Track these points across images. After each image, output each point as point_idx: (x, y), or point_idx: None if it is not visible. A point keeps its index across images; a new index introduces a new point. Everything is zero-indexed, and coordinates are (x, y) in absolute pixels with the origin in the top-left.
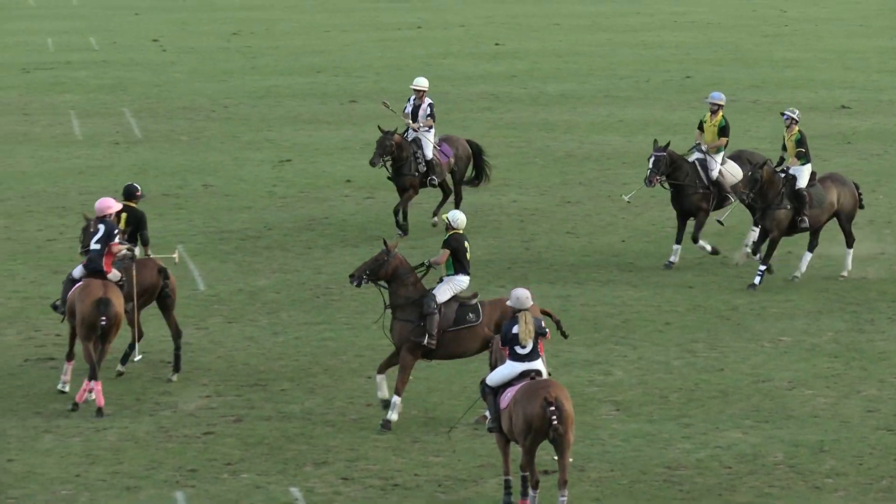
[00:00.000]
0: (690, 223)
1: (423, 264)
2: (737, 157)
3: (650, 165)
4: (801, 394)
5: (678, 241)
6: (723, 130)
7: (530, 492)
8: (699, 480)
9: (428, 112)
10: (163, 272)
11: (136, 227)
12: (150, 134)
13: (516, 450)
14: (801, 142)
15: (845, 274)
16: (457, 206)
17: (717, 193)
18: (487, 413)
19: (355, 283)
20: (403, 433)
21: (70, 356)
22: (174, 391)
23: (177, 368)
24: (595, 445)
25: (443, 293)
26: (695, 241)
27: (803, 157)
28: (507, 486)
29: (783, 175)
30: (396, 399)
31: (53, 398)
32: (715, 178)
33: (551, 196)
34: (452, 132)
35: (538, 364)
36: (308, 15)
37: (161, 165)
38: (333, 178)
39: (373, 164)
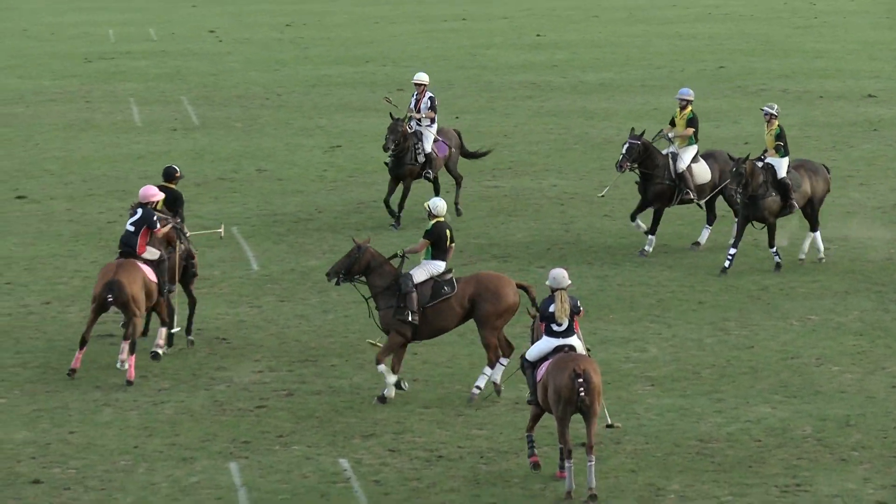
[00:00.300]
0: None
1: (396, 255)
2: (710, 156)
3: (623, 151)
4: (829, 370)
5: (651, 232)
6: (690, 122)
7: (566, 463)
8: (730, 453)
9: (429, 105)
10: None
11: (172, 207)
12: (206, 121)
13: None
14: (780, 136)
15: (803, 257)
16: (437, 193)
17: (680, 189)
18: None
19: (333, 282)
20: (447, 407)
21: (125, 335)
22: (229, 367)
23: (188, 332)
24: (630, 419)
25: (418, 275)
26: (632, 218)
27: (781, 150)
28: (530, 440)
29: (762, 165)
30: (392, 378)
31: (113, 373)
32: (681, 171)
33: (589, 180)
34: (495, 120)
35: (573, 340)
36: (357, 7)
37: (217, 151)
38: (381, 164)
39: (386, 148)
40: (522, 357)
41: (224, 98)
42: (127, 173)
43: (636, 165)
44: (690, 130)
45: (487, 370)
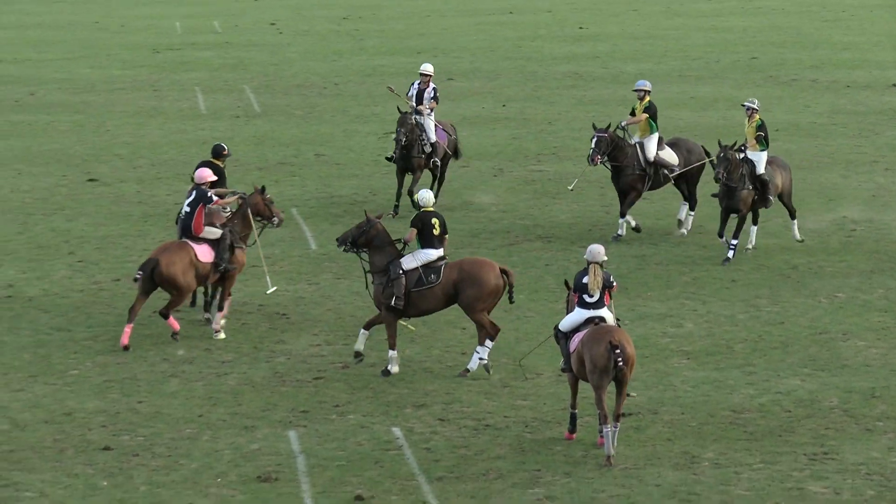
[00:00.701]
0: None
1: (399, 240)
2: (674, 144)
3: (592, 145)
4: (855, 345)
5: (622, 216)
6: (646, 110)
7: (603, 428)
8: (761, 422)
9: (432, 95)
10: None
11: (216, 185)
12: (267, 108)
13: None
14: (761, 128)
15: (799, 237)
16: (440, 180)
17: (654, 174)
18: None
19: (342, 248)
20: (494, 379)
21: (205, 306)
22: (288, 340)
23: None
24: (667, 391)
25: (408, 262)
26: (622, 215)
27: (762, 143)
28: (573, 419)
29: (741, 158)
30: (393, 353)
31: (179, 346)
32: (651, 159)
33: None
34: (540, 108)
35: (604, 312)
36: (410, 1)
37: (277, 137)
38: None
39: (397, 140)
40: (556, 328)
41: (284, 87)
42: (192, 158)
43: (606, 158)
44: (644, 116)
45: (480, 349)
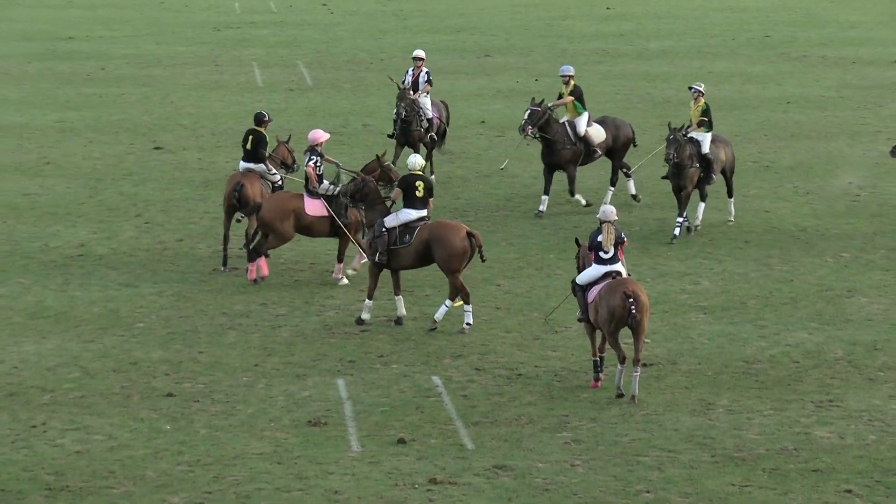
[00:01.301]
0: (559, 177)
1: (388, 197)
2: (602, 122)
3: (525, 117)
4: (858, 301)
5: (546, 193)
6: (572, 93)
7: (619, 366)
8: (772, 373)
9: (426, 79)
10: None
11: (257, 149)
12: (319, 82)
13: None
14: (706, 112)
15: (731, 220)
16: (430, 158)
17: (585, 149)
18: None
19: (345, 201)
20: (526, 332)
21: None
22: (337, 296)
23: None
24: (685, 343)
25: (389, 221)
26: (571, 194)
27: (706, 126)
28: (596, 365)
29: (687, 138)
30: (368, 302)
31: (237, 300)
32: (582, 134)
33: (651, 135)
34: None
35: (618, 266)
36: None
37: (328, 108)
38: (469, 119)
39: (398, 114)
40: (573, 282)
41: (334, 62)
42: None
43: (538, 131)
44: (570, 98)
45: (448, 302)
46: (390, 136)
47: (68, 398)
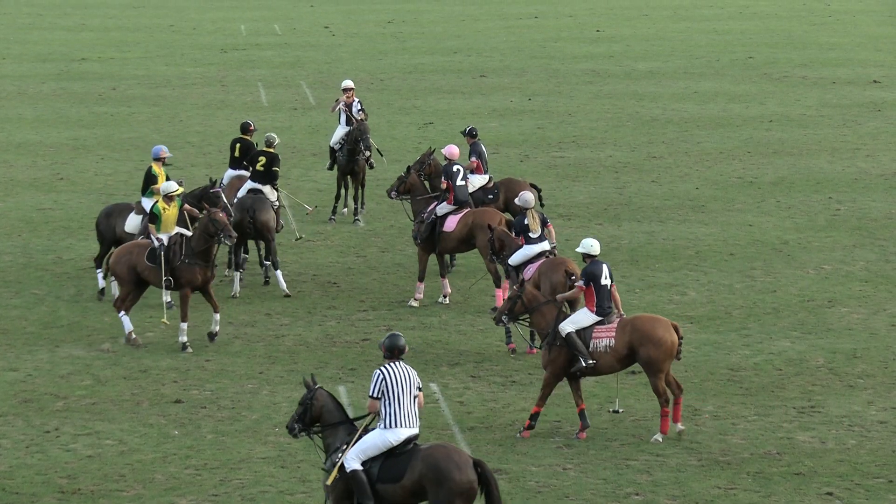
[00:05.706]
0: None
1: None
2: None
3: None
4: (839, 311)
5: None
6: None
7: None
8: (756, 380)
9: (359, 108)
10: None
11: (244, 156)
12: (321, 101)
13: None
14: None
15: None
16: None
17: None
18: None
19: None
20: (520, 341)
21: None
22: (339, 306)
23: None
24: None
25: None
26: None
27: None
28: (508, 331)
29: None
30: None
31: (242, 311)
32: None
33: (639, 152)
34: (561, 101)
35: (546, 245)
36: (448, 6)
37: (330, 127)
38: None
39: (367, 146)
40: (506, 263)
41: (336, 82)
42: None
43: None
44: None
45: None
46: (329, 169)
47: (81, 404)
